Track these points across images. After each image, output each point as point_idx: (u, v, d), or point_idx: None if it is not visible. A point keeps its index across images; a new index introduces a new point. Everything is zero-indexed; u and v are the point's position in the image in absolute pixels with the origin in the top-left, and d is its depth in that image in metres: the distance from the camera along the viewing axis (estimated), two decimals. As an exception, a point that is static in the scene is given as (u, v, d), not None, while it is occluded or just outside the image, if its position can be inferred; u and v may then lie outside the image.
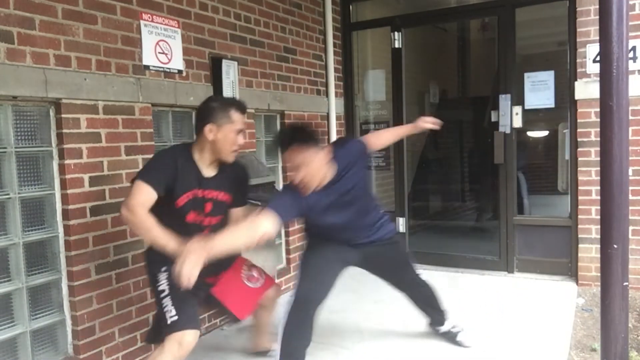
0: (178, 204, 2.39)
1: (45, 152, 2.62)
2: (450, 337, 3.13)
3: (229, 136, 2.43)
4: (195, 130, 2.56)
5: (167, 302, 2.37)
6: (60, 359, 2.69)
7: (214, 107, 2.45)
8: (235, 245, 2.40)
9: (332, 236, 2.75)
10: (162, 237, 2.28)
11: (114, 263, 2.87)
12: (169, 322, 2.32)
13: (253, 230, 2.34)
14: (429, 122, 3.03)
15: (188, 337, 2.30)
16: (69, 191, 2.64)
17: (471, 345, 3.07)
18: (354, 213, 2.67)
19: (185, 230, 2.36)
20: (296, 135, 2.47)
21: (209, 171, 2.51)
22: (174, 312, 2.33)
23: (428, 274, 4.60)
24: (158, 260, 2.42)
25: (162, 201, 2.34)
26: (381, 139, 3.11)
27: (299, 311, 2.63)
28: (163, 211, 2.35)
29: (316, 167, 2.43)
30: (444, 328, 3.16)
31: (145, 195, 2.28)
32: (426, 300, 3.12)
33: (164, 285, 2.41)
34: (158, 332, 2.44)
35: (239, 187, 2.65)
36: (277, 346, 2.63)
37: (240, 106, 2.50)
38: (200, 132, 2.45)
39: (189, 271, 2.08)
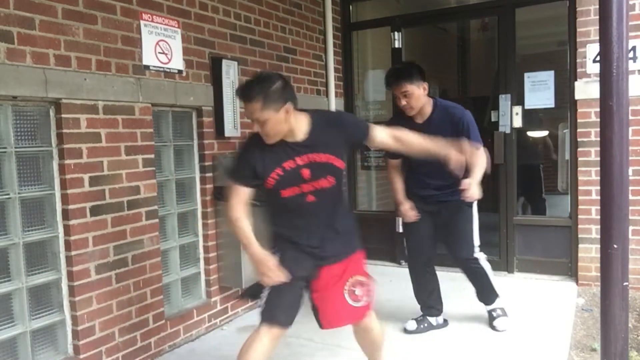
0: (267, 186, 2.23)
1: (45, 152, 2.62)
2: (489, 318, 3.38)
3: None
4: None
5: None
6: (60, 359, 2.69)
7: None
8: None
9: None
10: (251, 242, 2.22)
11: (114, 263, 2.87)
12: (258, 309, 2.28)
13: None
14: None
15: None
16: (69, 191, 2.64)
17: (505, 329, 3.30)
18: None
19: (289, 207, 2.26)
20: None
21: (294, 138, 2.23)
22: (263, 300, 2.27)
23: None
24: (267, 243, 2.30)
25: (264, 192, 2.25)
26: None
27: None
28: (269, 201, 2.31)
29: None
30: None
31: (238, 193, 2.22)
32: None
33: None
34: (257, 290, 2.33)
35: (339, 134, 2.29)
36: None
37: (240, 94, 2.21)
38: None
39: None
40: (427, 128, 2.85)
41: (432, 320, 3.37)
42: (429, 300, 3.37)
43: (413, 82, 2.98)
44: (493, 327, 3.34)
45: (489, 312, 3.41)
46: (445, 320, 3.43)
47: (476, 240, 3.22)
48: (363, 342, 2.56)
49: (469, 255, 3.22)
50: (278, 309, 2.26)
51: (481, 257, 3.28)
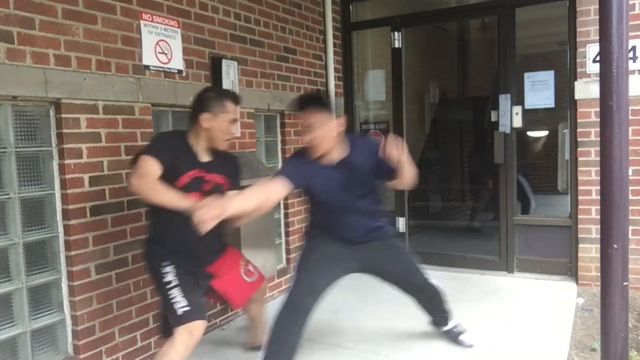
0: (179, 184, 2.45)
1: (45, 152, 2.62)
2: (452, 337, 3.14)
3: (222, 125, 2.55)
4: (190, 117, 2.63)
5: (175, 292, 2.43)
6: (60, 359, 2.69)
7: (210, 97, 2.57)
8: (247, 206, 2.42)
9: (331, 230, 2.76)
10: (176, 197, 2.34)
11: (114, 263, 2.87)
12: (179, 312, 2.38)
13: (264, 192, 2.48)
14: None
15: (198, 326, 2.40)
16: (69, 191, 2.64)
17: (472, 345, 3.08)
18: (353, 202, 2.70)
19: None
20: (314, 99, 2.76)
21: (204, 156, 2.61)
22: (184, 302, 2.41)
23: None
24: (159, 254, 2.52)
25: (164, 182, 2.38)
26: None
27: (289, 316, 2.61)
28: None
29: (326, 131, 2.61)
30: (445, 328, 3.16)
31: (152, 166, 2.34)
32: (431, 303, 3.08)
33: (169, 276, 2.46)
34: (168, 325, 2.49)
35: (234, 173, 2.77)
36: (263, 347, 2.65)
37: (235, 97, 2.65)
38: (196, 120, 2.54)
39: (208, 218, 2.15)
40: None
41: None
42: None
43: None
44: (459, 343, 3.11)
45: (448, 330, 3.16)
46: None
47: None
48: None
49: None
50: (201, 305, 2.53)
51: None
